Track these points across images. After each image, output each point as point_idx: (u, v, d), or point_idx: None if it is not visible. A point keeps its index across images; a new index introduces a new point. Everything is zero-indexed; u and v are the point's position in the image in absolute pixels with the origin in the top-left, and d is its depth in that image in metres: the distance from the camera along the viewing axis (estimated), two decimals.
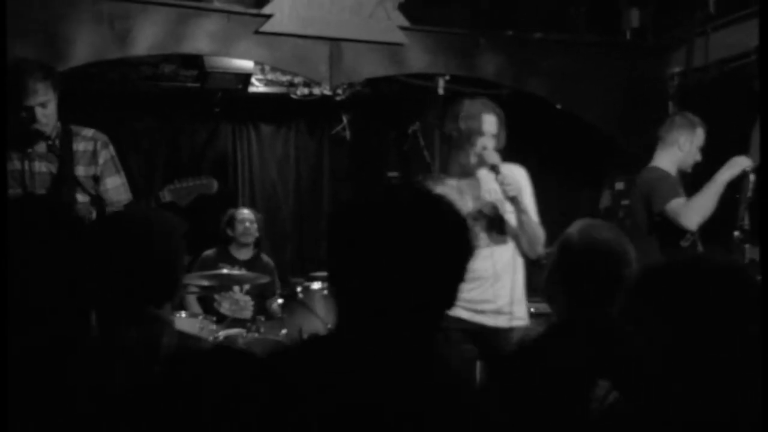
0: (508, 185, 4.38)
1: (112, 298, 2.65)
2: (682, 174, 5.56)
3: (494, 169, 4.42)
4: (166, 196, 4.80)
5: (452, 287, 1.86)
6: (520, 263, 4.61)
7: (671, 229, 5.32)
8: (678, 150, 5.54)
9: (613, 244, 3.01)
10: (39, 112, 4.42)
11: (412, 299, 1.79)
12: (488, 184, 4.58)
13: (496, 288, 4.51)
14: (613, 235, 3.07)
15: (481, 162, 4.49)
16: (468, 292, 4.31)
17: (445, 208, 1.89)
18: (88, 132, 4.74)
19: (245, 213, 7.32)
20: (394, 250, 1.78)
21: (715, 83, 6.88)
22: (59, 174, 4.57)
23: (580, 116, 7.37)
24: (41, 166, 4.54)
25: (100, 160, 4.72)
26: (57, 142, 4.58)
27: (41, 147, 4.55)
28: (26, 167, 4.50)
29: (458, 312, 4.27)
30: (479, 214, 4.50)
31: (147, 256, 2.70)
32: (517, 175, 4.58)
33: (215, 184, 4.93)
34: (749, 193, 5.29)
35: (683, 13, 7.19)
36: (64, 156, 4.59)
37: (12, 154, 4.48)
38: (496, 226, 4.53)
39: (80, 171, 4.64)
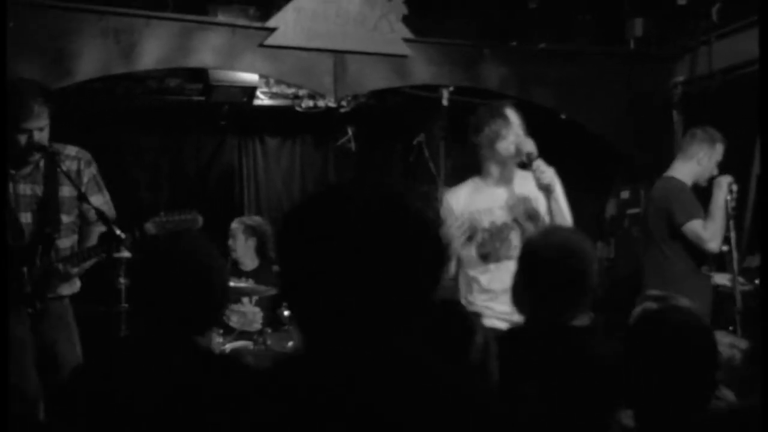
0: (543, 172, 4.43)
1: (160, 328, 2.67)
2: (696, 187, 5.60)
3: (530, 156, 4.46)
4: (151, 229, 4.72)
5: (420, 290, 1.70)
6: None
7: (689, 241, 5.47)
8: (696, 164, 5.62)
9: (572, 246, 3.04)
10: (36, 135, 4.36)
11: (376, 311, 1.64)
12: (522, 191, 4.61)
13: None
14: (573, 237, 3.12)
15: (519, 152, 4.51)
16: (500, 304, 4.33)
17: (406, 206, 1.71)
18: (72, 150, 4.68)
19: (233, 226, 7.09)
20: (349, 259, 1.62)
21: (718, 92, 6.89)
22: (44, 196, 4.51)
23: (584, 126, 7.38)
24: (26, 189, 4.49)
25: (84, 179, 4.66)
26: (42, 163, 4.52)
27: (26, 169, 4.49)
28: (11, 189, 4.44)
29: (494, 323, 4.30)
30: (515, 224, 4.53)
31: (196, 285, 2.70)
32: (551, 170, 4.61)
33: (200, 220, 4.88)
34: (731, 210, 5.42)
35: (687, 23, 7.20)
36: (50, 177, 4.53)
37: None
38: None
39: (65, 192, 4.59)
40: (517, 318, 4.43)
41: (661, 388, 2.40)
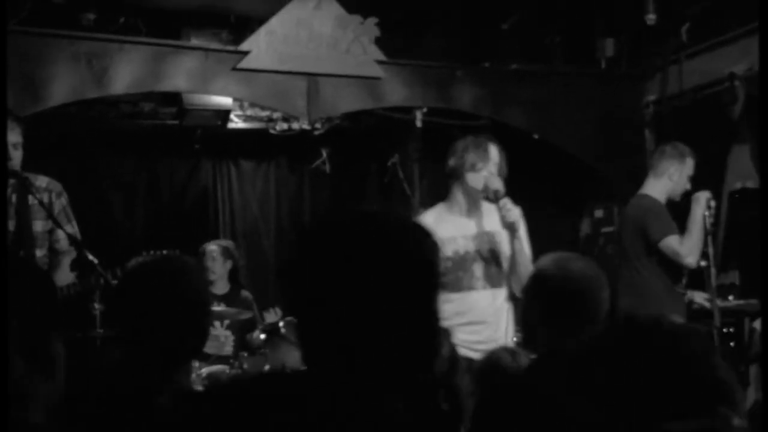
0: (509, 210, 4.45)
1: (142, 357, 2.54)
2: (670, 202, 5.63)
3: (496, 194, 4.48)
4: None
5: (422, 320, 1.77)
6: (509, 304, 4.68)
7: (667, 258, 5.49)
8: (668, 180, 5.64)
9: (587, 272, 3.04)
10: (11, 152, 4.34)
11: (383, 335, 1.68)
12: (487, 224, 4.64)
13: (496, 329, 4.58)
14: (586, 264, 3.11)
15: (485, 188, 4.54)
16: (471, 334, 4.42)
17: (416, 235, 1.79)
18: (42, 182, 4.64)
19: (211, 248, 7.07)
20: (362, 281, 1.66)
21: (689, 110, 6.95)
22: (17, 231, 4.47)
23: (557, 145, 7.41)
24: None
25: (55, 211, 4.62)
26: (14, 197, 4.49)
27: None
28: None
29: (466, 352, 4.32)
30: (477, 255, 4.56)
31: (178, 310, 2.57)
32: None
33: (210, 252, 4.85)
34: (709, 226, 5.43)
35: (657, 42, 7.26)
36: (21, 211, 4.49)
37: None
38: (493, 267, 4.59)
39: (38, 227, 4.57)
40: (483, 348, 4.47)
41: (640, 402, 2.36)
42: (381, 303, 1.66)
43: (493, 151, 4.60)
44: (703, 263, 5.47)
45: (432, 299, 1.78)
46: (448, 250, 4.55)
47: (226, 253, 7.07)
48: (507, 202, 4.46)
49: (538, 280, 3.18)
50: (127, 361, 2.59)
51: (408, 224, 1.82)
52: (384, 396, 1.68)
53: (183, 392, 2.58)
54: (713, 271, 5.44)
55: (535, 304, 3.12)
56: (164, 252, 4.87)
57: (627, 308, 5.57)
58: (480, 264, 4.57)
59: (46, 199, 4.58)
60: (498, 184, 4.50)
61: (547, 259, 3.16)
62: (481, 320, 4.55)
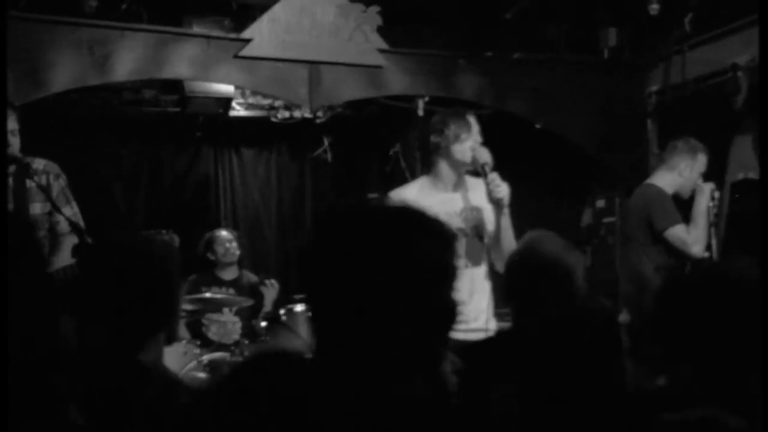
0: (498, 186, 4.39)
1: (108, 332, 2.46)
2: (677, 197, 5.62)
3: (484, 167, 4.42)
4: None
5: (442, 311, 1.82)
6: (490, 281, 4.65)
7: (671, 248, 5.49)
8: (678, 175, 5.63)
9: (556, 256, 3.07)
10: (9, 138, 4.36)
11: (396, 325, 1.71)
12: (470, 201, 4.57)
13: (476, 307, 4.52)
14: (558, 247, 3.14)
15: (474, 161, 4.49)
16: None
17: (433, 226, 1.82)
18: (39, 164, 4.63)
19: (224, 234, 7.23)
20: (378, 270, 1.69)
21: (692, 100, 6.93)
22: (15, 214, 4.34)
23: (559, 135, 7.41)
24: None
25: (54, 193, 4.62)
26: (11, 180, 4.48)
27: None
28: None
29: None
30: (461, 233, 4.50)
31: (145, 284, 2.50)
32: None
33: (177, 240, 4.85)
34: (713, 217, 5.48)
35: (660, 32, 7.24)
36: (18, 194, 4.50)
37: None
38: (475, 246, 4.54)
39: (36, 209, 4.57)
40: (471, 327, 4.47)
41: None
42: (395, 295, 1.69)
43: (473, 122, 4.54)
44: (706, 254, 5.47)
45: (446, 292, 1.84)
46: None
47: (237, 238, 7.19)
48: (496, 177, 4.39)
49: (510, 262, 3.29)
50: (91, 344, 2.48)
51: (426, 220, 1.83)
52: (394, 383, 1.70)
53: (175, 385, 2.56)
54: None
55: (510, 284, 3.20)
56: (157, 231, 4.89)
57: (628, 296, 5.59)
58: (463, 241, 4.48)
59: (44, 182, 4.57)
60: (486, 156, 4.44)
61: (522, 240, 3.24)
62: (461, 300, 4.50)
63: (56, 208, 4.46)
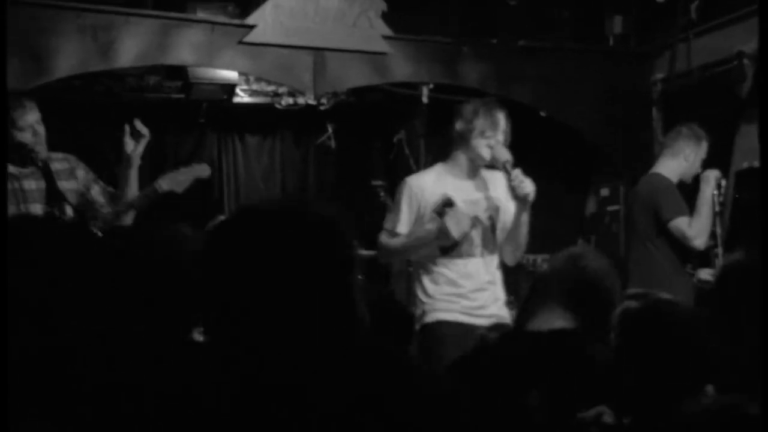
0: (522, 182, 4.38)
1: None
2: (681, 183, 5.60)
3: (506, 165, 4.41)
4: (163, 185, 4.83)
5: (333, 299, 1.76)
6: (500, 272, 4.67)
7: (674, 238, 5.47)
8: (683, 161, 5.60)
9: (601, 274, 3.01)
10: (36, 127, 4.56)
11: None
12: (487, 189, 4.59)
13: (491, 295, 4.56)
14: (603, 265, 3.07)
15: (493, 159, 4.48)
16: (472, 300, 4.48)
17: (330, 231, 1.79)
18: (59, 154, 4.82)
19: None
20: (275, 273, 1.69)
21: (697, 88, 6.91)
22: (48, 189, 4.64)
23: (564, 122, 7.39)
24: (30, 184, 4.61)
25: (79, 176, 4.82)
26: (40, 163, 4.66)
27: (30, 167, 4.64)
28: (17, 186, 4.57)
29: (457, 317, 4.44)
30: (477, 221, 4.51)
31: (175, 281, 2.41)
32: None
33: (208, 169, 4.96)
34: (718, 207, 5.44)
35: (665, 20, 7.22)
36: (47, 174, 4.66)
37: None
38: (489, 234, 4.55)
39: (64, 185, 4.71)
40: (487, 312, 4.47)
41: (650, 383, 2.41)
42: (294, 295, 1.69)
43: (502, 120, 4.52)
44: (711, 242, 5.45)
45: (346, 288, 1.78)
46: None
47: None
48: (519, 173, 4.39)
49: (552, 272, 3.15)
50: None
51: (322, 219, 1.81)
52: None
53: None
54: (720, 250, 5.42)
55: (543, 291, 3.10)
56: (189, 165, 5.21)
57: (635, 287, 5.56)
58: (479, 230, 4.51)
59: (66, 166, 4.79)
60: (507, 155, 4.43)
61: (565, 254, 3.14)
62: (480, 287, 4.52)
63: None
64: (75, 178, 4.77)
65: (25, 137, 4.51)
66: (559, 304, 2.96)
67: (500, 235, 4.57)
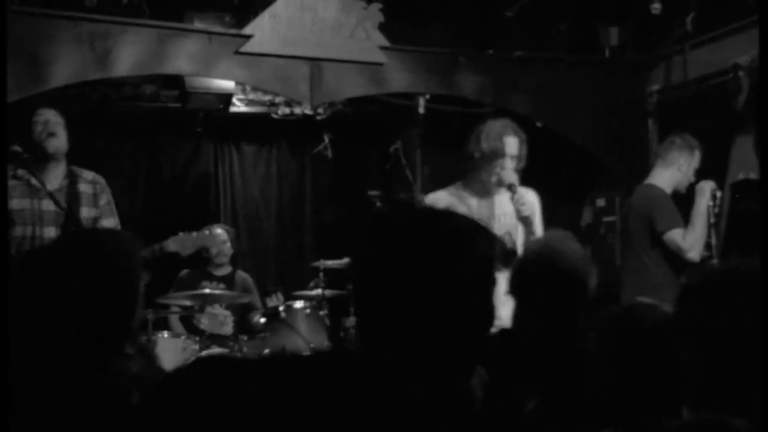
0: (522, 205, 4.53)
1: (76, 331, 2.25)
2: (675, 194, 5.62)
3: (511, 188, 4.55)
4: (171, 246, 4.90)
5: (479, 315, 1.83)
6: None
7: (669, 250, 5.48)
8: (677, 171, 5.62)
9: (573, 258, 3.05)
10: (59, 131, 4.78)
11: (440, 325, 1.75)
12: (503, 208, 4.71)
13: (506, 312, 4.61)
14: (577, 248, 3.12)
15: (499, 181, 4.57)
16: None
17: (476, 231, 1.88)
18: (88, 175, 4.91)
19: (219, 234, 6.96)
20: (423, 273, 1.74)
21: (693, 100, 6.93)
22: (67, 213, 4.70)
23: (560, 133, 7.40)
24: (48, 204, 4.67)
25: (101, 203, 4.90)
26: (65, 182, 4.76)
27: (54, 185, 4.73)
28: (35, 206, 4.64)
29: None
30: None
31: (107, 282, 2.31)
32: (531, 198, 4.74)
33: (220, 234, 5.04)
34: (713, 218, 5.46)
35: (662, 32, 7.24)
36: (71, 195, 4.74)
37: (18, 193, 4.65)
38: (505, 257, 4.61)
39: (84, 213, 4.78)
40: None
41: (627, 389, 2.40)
42: (442, 296, 1.74)
43: (512, 143, 4.66)
44: (705, 253, 5.45)
45: (488, 294, 1.86)
46: None
47: (232, 236, 7.19)
48: (521, 197, 4.55)
49: (522, 258, 3.29)
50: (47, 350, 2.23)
51: (472, 226, 1.90)
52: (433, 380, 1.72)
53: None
54: (715, 262, 5.43)
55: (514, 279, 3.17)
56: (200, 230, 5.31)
57: (629, 298, 5.56)
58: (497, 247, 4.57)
59: (91, 191, 4.89)
60: (512, 178, 4.57)
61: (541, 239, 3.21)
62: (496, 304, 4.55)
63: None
64: (95, 206, 4.86)
65: (51, 144, 4.70)
66: (536, 288, 3.04)
67: (520, 251, 4.63)
